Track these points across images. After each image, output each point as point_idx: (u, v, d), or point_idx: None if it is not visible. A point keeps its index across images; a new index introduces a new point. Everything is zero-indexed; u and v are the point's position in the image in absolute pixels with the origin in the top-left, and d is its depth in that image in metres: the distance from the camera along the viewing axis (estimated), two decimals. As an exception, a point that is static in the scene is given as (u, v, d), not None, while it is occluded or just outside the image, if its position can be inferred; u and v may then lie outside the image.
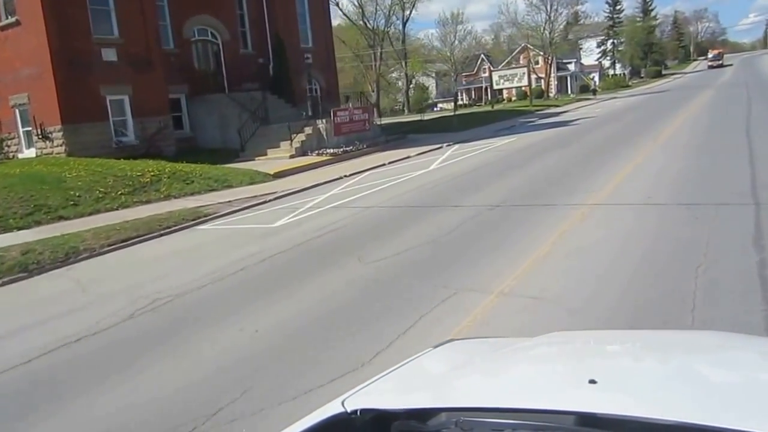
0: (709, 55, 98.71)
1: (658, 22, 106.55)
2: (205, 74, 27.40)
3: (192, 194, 16.72)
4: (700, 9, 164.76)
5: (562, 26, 55.04)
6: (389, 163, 20.40)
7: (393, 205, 12.56)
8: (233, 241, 11.28)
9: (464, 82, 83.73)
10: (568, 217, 9.53)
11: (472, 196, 12.45)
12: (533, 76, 79.09)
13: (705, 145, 15.57)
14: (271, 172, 19.09)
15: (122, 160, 19.85)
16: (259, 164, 21.35)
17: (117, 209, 15.27)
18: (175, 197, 16.40)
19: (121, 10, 22.64)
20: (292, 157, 22.09)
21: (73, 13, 20.93)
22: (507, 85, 52.09)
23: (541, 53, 77.06)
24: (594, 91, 57.83)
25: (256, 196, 15.96)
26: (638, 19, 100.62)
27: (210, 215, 14.08)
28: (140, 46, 23.20)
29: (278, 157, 22.25)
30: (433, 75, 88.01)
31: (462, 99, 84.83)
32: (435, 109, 77.85)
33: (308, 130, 23.22)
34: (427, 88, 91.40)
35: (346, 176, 18.25)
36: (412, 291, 6.91)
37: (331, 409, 1.84)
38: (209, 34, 27.72)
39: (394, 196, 13.75)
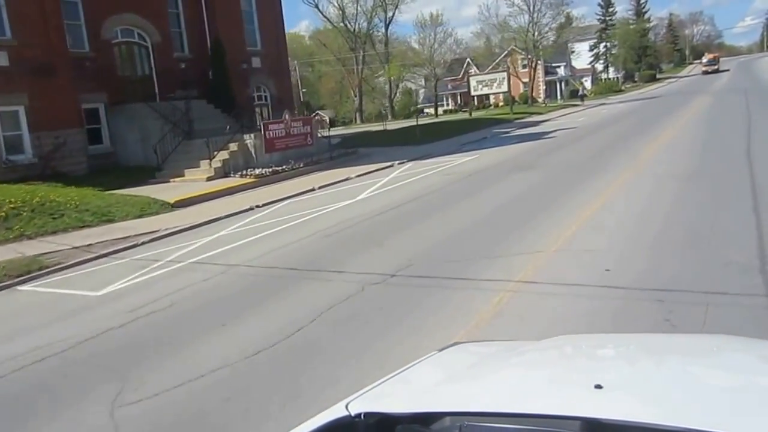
0: (704, 60, 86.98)
1: (651, 24, 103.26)
2: (131, 81, 24.00)
3: (54, 233, 13.29)
4: (695, 12, 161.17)
5: (548, 28, 51.11)
6: (320, 187, 17.01)
7: (265, 264, 9.16)
8: (23, 322, 7.88)
9: (450, 87, 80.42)
10: (475, 309, 6.15)
11: (372, 251, 9.07)
12: (518, 81, 76.04)
13: (695, 177, 12.16)
14: (171, 201, 15.69)
15: (4, 185, 16.47)
16: (170, 188, 17.96)
17: (-58, 256, 11.85)
18: (30, 237, 12.97)
19: (14, 6, 19.29)
20: (209, 179, 18.67)
21: (-53, 10, 17.58)
22: (486, 90, 48.73)
23: (528, 57, 73.79)
24: (582, 97, 54.43)
25: (129, 237, 12.57)
26: (631, 21, 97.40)
27: (47, 268, 10.69)
28: (40, 49, 19.81)
29: (195, 179, 18.83)
30: (421, 79, 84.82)
31: (447, 104, 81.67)
32: (423, 114, 74.62)
33: (233, 146, 19.82)
34: (416, 93, 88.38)
35: (258, 206, 14.88)
36: None
37: (335, 412, 1.80)
38: (135, 35, 24.33)
39: (282, 245, 10.35)
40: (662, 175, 12.43)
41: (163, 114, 21.73)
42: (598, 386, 1.65)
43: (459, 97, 78.87)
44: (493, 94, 53.44)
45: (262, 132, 20.09)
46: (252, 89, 28.15)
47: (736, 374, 1.89)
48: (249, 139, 19.98)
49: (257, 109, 28.35)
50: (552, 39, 52.60)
